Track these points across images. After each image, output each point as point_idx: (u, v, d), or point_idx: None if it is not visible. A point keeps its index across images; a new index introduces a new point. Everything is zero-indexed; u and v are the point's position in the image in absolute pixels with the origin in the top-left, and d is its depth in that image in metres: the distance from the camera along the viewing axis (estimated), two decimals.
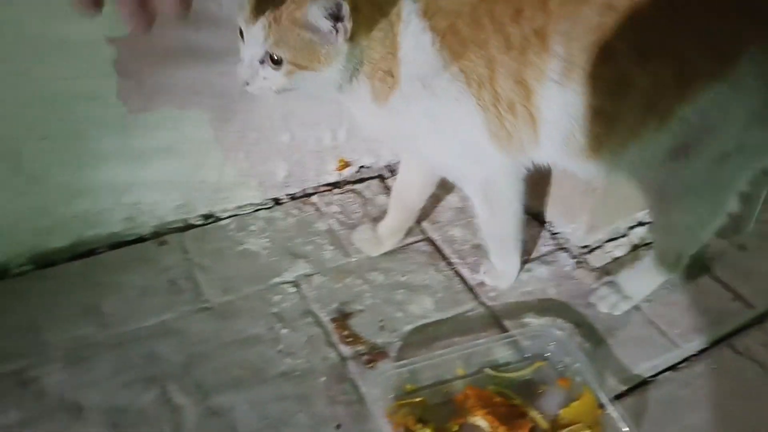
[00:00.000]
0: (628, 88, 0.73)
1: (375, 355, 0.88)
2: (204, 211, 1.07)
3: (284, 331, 0.90)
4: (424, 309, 0.96)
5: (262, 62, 0.71)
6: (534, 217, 1.14)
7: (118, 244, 1.00)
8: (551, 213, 1.13)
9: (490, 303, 0.98)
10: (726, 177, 0.82)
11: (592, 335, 0.93)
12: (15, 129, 0.84)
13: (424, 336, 0.91)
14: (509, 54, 0.74)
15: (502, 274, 1.00)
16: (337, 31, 0.70)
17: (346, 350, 0.88)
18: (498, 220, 0.93)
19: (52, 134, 0.87)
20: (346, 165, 1.17)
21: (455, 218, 1.13)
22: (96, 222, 0.97)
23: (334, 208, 1.12)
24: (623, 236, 1.12)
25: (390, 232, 1.04)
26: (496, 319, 0.95)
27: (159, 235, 1.03)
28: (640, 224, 1.13)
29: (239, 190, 1.08)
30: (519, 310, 0.97)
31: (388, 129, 0.84)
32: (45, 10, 0.77)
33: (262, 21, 0.68)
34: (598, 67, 0.71)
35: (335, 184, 1.17)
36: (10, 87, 0.81)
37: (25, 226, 0.92)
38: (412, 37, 0.75)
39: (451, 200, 1.16)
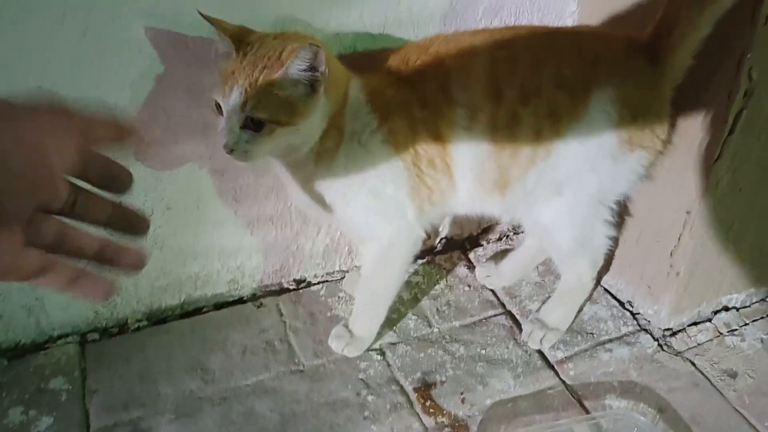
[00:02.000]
0: (519, 125, 0.86)
1: (457, 428, 0.91)
2: (297, 276, 1.15)
3: (370, 397, 0.95)
4: (504, 383, 0.98)
5: (243, 127, 0.74)
6: (613, 296, 1.16)
7: (222, 304, 1.10)
8: (634, 293, 1.13)
9: (570, 382, 0.99)
10: (593, 209, 0.95)
11: (677, 423, 0.93)
12: (143, 200, 0.96)
13: (505, 411, 0.94)
14: (425, 111, 0.85)
15: (356, 340, 1.01)
16: (315, 81, 0.75)
17: (428, 421, 0.92)
18: (385, 279, 0.99)
19: (176, 204, 0.99)
20: (429, 237, 1.23)
21: (534, 293, 1.16)
22: (204, 283, 1.07)
23: (418, 279, 1.18)
24: (708, 320, 1.11)
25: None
26: (577, 399, 0.96)
27: (257, 297, 1.12)
28: (725, 309, 1.12)
29: (330, 257, 1.16)
30: (600, 391, 0.98)
31: (319, 192, 0.88)
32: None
33: (238, 89, 0.73)
34: (494, 109, 0.85)
35: (418, 255, 1.22)
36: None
37: (145, 284, 1.03)
38: (354, 92, 0.84)
39: (530, 275, 1.19)
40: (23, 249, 0.38)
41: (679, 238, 1.00)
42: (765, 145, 0.93)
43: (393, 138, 0.85)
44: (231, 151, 0.75)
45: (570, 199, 0.93)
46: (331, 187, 0.87)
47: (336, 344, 1.01)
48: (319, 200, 0.89)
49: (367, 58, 0.93)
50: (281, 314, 1.09)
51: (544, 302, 1.11)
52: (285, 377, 0.97)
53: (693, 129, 0.92)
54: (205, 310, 1.08)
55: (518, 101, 0.85)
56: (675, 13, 0.83)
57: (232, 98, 0.73)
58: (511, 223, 1.03)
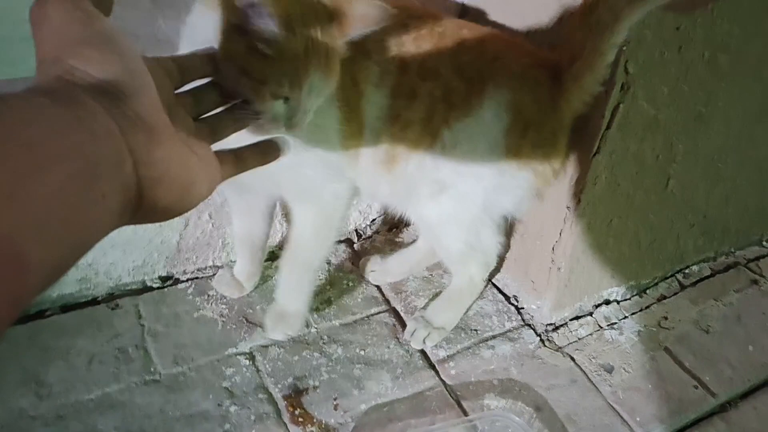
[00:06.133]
0: (415, 99, 0.83)
1: None
2: (163, 272, 1.04)
3: (234, 408, 0.86)
4: (382, 386, 0.93)
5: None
6: (500, 290, 1.13)
7: (70, 306, 0.97)
8: (519, 288, 1.12)
9: (450, 382, 0.96)
10: (480, 216, 0.92)
11: (553, 421, 0.91)
12: None
13: (379, 416, 0.89)
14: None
15: (293, 317, 0.97)
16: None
17: (295, 431, 0.85)
18: (319, 246, 0.94)
19: None
20: None
21: (421, 288, 1.12)
22: None
23: None
24: (589, 314, 1.11)
25: (247, 276, 1.04)
26: (455, 400, 0.93)
27: (114, 297, 1.00)
28: (606, 303, 1.13)
29: (202, 251, 1.06)
30: (480, 390, 0.95)
31: None
32: None
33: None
34: (398, 76, 0.82)
35: None
36: None
37: None
38: None
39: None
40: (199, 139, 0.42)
41: (560, 234, 0.99)
42: (641, 141, 0.92)
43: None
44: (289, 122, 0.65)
45: (455, 202, 0.89)
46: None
47: (277, 330, 0.96)
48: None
49: None
50: (140, 316, 0.97)
51: (431, 299, 1.07)
52: (137, 389, 0.87)
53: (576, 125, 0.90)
54: (48, 313, 0.95)
55: (417, 75, 0.82)
56: (580, 39, 0.79)
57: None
58: (399, 213, 0.96)
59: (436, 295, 1.08)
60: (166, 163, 0.36)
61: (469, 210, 0.91)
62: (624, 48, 0.79)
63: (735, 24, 0.89)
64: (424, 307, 1.05)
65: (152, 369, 0.90)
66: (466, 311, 1.07)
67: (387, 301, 1.08)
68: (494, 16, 0.98)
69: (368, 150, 0.86)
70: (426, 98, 0.83)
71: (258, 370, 0.92)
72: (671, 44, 0.85)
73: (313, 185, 0.86)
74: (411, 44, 0.83)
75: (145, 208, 0.35)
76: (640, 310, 1.14)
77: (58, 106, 0.30)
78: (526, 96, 0.84)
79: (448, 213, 0.91)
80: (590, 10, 0.77)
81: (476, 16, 1.01)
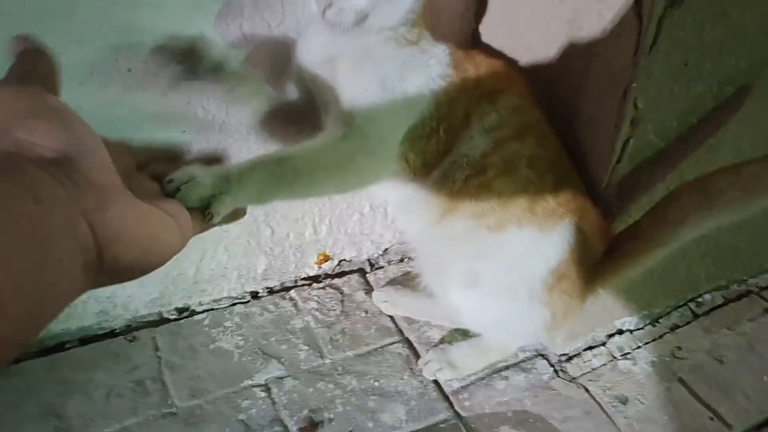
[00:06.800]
0: (511, 172, 0.80)
1: None
2: (179, 304, 1.05)
3: None
4: (396, 418, 0.93)
5: None
6: None
7: (89, 338, 0.98)
8: None
9: (464, 413, 0.96)
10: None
11: None
12: None
13: None
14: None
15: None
16: None
17: None
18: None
19: None
20: (327, 259, 1.16)
21: None
22: (67, 315, 0.96)
23: (312, 304, 1.11)
24: (603, 344, 1.11)
25: None
26: None
27: (131, 329, 1.01)
28: (620, 332, 1.13)
29: (218, 282, 1.08)
30: (494, 422, 0.95)
31: None
32: None
33: None
34: (510, 141, 0.80)
35: (315, 278, 1.16)
36: None
37: None
38: None
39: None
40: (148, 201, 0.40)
41: None
42: (651, 173, 0.93)
43: None
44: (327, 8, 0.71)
45: (482, 300, 0.86)
46: None
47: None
48: None
49: None
50: (157, 348, 0.99)
51: (450, 333, 1.07)
52: (154, 422, 0.88)
53: (582, 157, 0.91)
54: (68, 346, 0.97)
55: (527, 162, 0.82)
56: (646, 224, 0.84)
57: None
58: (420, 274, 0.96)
59: (454, 330, 1.08)
60: (121, 221, 0.36)
61: (502, 288, 0.86)
62: (633, 84, 0.81)
63: (741, 58, 0.91)
64: (451, 342, 1.05)
65: (169, 402, 0.91)
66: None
67: (400, 332, 1.09)
68: (502, 45, 0.99)
69: (426, 182, 0.82)
70: (520, 181, 0.80)
71: (274, 402, 0.93)
72: (680, 79, 0.86)
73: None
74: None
75: (108, 266, 0.35)
76: (654, 340, 1.13)
77: (1, 179, 0.31)
78: (583, 247, 0.82)
79: (471, 308, 0.89)
80: (663, 204, 0.81)
81: (485, 47, 1.03)
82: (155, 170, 0.48)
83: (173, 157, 0.52)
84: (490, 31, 1.02)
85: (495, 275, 0.83)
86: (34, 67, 0.39)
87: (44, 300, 0.31)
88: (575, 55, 0.88)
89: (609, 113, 0.85)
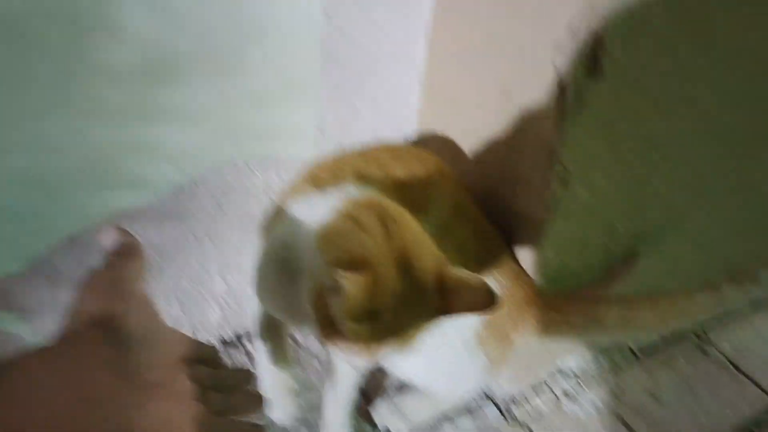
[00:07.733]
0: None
1: None
2: None
3: None
4: None
5: None
6: None
7: None
8: None
9: None
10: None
11: None
12: None
13: None
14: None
15: None
16: None
17: None
18: None
19: None
20: None
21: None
22: None
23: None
24: (548, 386, 1.15)
25: None
26: None
27: None
28: (562, 373, 1.17)
29: None
30: None
31: None
32: None
33: None
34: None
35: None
36: None
37: None
38: None
39: None
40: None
41: None
42: (584, 227, 0.99)
43: None
44: None
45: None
46: None
47: None
48: None
49: None
50: None
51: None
52: None
53: (517, 211, 0.97)
54: None
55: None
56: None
57: None
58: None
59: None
60: (153, 415, 0.42)
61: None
62: (560, 148, 0.87)
63: (663, 119, 0.98)
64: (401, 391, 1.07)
65: None
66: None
67: None
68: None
69: None
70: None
71: None
72: (601, 142, 0.92)
73: None
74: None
75: None
76: (596, 381, 1.18)
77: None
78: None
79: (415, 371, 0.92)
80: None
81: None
82: (197, 373, 0.49)
83: (212, 355, 0.53)
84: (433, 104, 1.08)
85: (432, 337, 0.86)
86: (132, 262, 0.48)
87: None
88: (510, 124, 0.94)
89: (541, 174, 0.91)
